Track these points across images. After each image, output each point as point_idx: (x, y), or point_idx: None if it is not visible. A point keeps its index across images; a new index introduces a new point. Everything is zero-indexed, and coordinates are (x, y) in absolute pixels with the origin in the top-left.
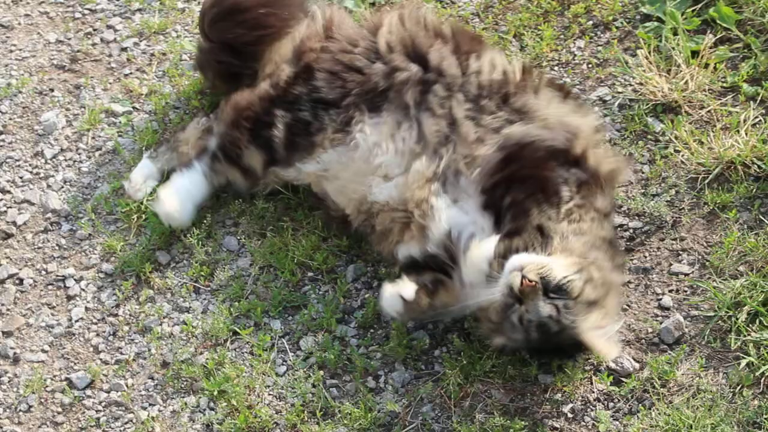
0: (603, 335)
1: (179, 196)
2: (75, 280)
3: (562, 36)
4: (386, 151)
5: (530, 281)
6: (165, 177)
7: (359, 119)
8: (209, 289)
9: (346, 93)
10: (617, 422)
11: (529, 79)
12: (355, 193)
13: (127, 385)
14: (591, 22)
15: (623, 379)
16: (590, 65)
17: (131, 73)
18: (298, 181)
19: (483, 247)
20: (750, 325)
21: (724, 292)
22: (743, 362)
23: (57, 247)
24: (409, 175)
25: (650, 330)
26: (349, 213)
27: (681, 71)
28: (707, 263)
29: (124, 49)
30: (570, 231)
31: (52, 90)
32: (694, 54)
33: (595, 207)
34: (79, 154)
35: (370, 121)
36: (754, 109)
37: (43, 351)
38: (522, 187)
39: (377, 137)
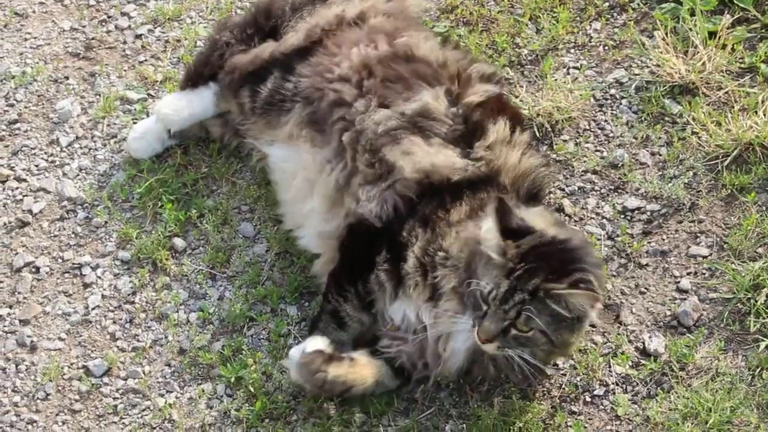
0: None
1: (184, 102)
2: (91, 267)
3: (578, 18)
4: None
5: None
6: (170, 135)
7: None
8: (225, 275)
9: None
10: (636, 405)
11: None
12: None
13: (144, 373)
14: (607, 4)
15: (641, 362)
16: (607, 47)
17: (146, 60)
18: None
19: None
20: None
21: (742, 274)
22: (762, 345)
23: (73, 235)
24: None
25: (668, 313)
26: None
27: (698, 52)
28: (725, 245)
29: (138, 36)
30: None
31: (67, 78)
32: (712, 35)
33: (450, 222)
34: (95, 141)
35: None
36: None
37: (60, 339)
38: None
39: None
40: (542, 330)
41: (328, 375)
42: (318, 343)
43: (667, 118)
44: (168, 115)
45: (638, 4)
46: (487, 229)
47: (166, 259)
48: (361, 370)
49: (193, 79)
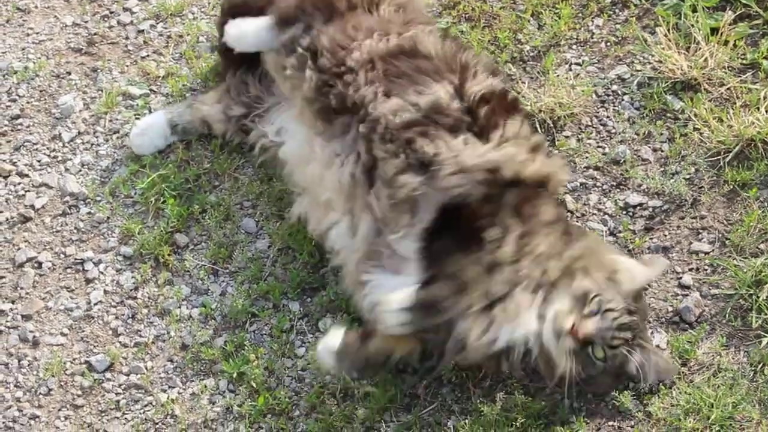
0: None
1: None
2: (94, 263)
3: (580, 14)
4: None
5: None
6: (173, 131)
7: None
8: (228, 271)
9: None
10: (637, 401)
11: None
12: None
13: (146, 368)
14: (609, 0)
15: None
16: (609, 43)
17: (148, 56)
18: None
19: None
20: None
21: (744, 270)
22: (764, 341)
23: (75, 231)
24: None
25: (670, 309)
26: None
27: (700, 48)
28: (727, 241)
29: (140, 32)
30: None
31: (69, 73)
32: (714, 31)
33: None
34: (97, 137)
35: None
36: None
37: (63, 334)
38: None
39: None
40: (604, 367)
41: (370, 348)
42: (342, 329)
43: (669, 114)
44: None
45: (640, 1)
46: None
47: (169, 255)
48: (393, 336)
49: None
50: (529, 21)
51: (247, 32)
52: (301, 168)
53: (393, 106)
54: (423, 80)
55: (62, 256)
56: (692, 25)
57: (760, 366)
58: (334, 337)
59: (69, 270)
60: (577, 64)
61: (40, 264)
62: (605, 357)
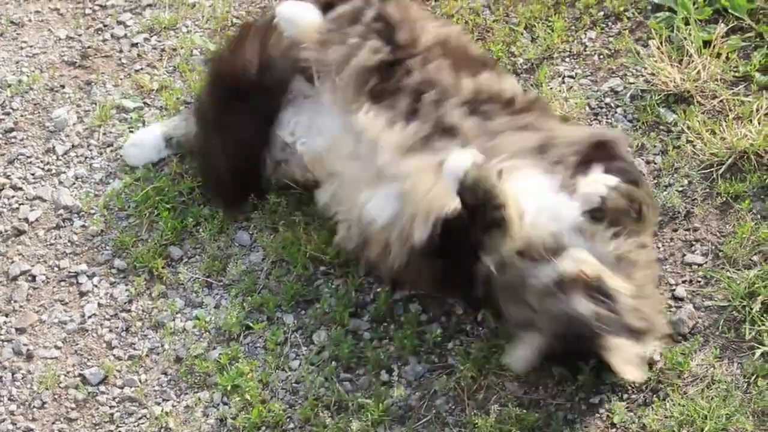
0: (630, 360)
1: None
2: (87, 276)
3: (573, 27)
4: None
5: (587, 275)
6: (167, 144)
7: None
8: (222, 284)
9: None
10: (632, 413)
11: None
12: None
13: (140, 381)
14: (602, 13)
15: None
16: (602, 56)
17: (142, 69)
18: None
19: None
20: (764, 315)
21: (738, 282)
22: (758, 352)
23: (69, 244)
24: None
25: (664, 321)
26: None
27: (693, 61)
28: (721, 253)
29: (134, 45)
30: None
31: (63, 86)
32: (706, 44)
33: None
34: (91, 150)
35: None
36: (766, 98)
37: (57, 347)
38: None
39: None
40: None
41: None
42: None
43: (662, 127)
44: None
45: (633, 14)
46: None
47: (163, 268)
48: None
49: None
50: (522, 34)
51: (301, 11)
52: (335, 152)
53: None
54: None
55: (56, 269)
56: (685, 38)
57: (753, 378)
58: (467, 154)
59: (63, 283)
60: (570, 76)
61: (33, 277)
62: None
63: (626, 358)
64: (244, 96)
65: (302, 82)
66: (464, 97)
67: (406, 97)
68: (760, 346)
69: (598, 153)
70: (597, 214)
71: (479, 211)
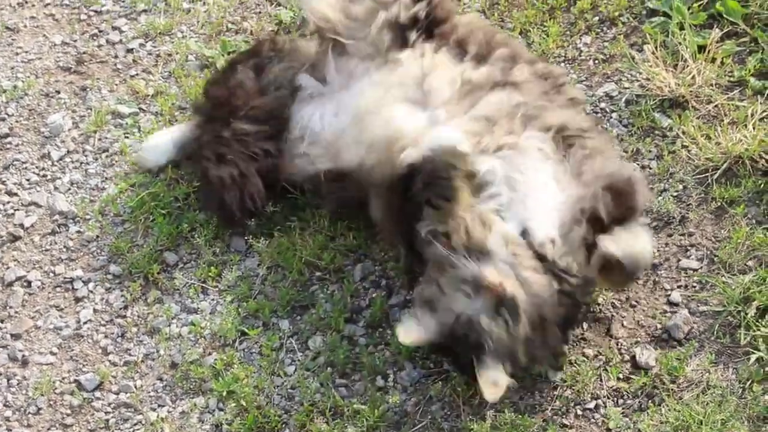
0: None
1: None
2: (83, 281)
3: (568, 32)
4: None
5: (504, 290)
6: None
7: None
8: (217, 289)
9: None
10: (627, 419)
11: None
12: None
13: (136, 387)
14: (597, 18)
15: (632, 376)
16: (597, 61)
17: (137, 74)
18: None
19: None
20: (759, 320)
21: (732, 287)
22: (753, 357)
23: (65, 249)
24: None
25: (659, 326)
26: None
27: (688, 66)
28: (716, 258)
29: (129, 51)
30: None
31: (58, 92)
32: (701, 49)
33: None
34: (86, 155)
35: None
36: (761, 103)
37: (52, 353)
38: None
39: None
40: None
41: None
42: None
43: (657, 132)
44: None
45: (628, 18)
46: None
47: (158, 273)
48: None
49: None
50: (517, 39)
51: None
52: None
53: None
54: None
55: (51, 274)
56: (680, 43)
57: (748, 383)
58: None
59: (58, 289)
60: None
61: (29, 283)
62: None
63: (492, 380)
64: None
65: (310, 80)
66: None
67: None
68: (755, 351)
69: (617, 204)
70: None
71: (434, 180)
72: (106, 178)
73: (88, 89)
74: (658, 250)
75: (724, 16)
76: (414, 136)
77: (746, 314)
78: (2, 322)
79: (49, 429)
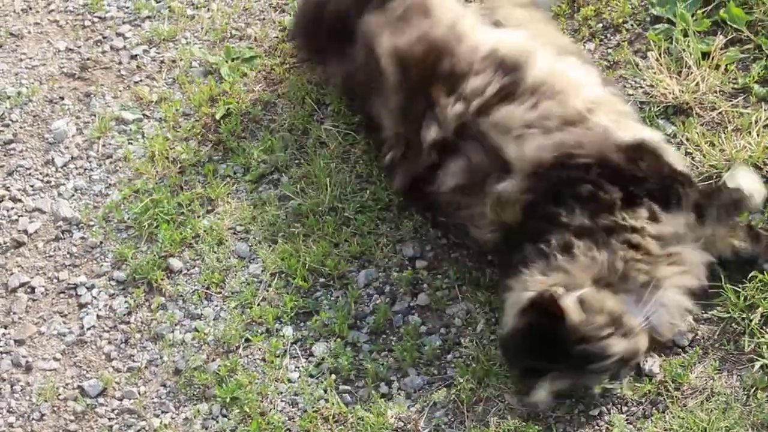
0: None
1: None
2: (87, 288)
3: (572, 39)
4: None
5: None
6: None
7: None
8: (221, 295)
9: None
10: (631, 426)
11: None
12: None
13: (139, 393)
14: (601, 25)
15: (636, 383)
16: (601, 68)
17: (141, 81)
18: None
19: None
20: (764, 327)
21: (737, 294)
22: (757, 365)
23: (68, 255)
24: None
25: None
26: None
27: (692, 73)
28: (720, 265)
29: (133, 57)
30: None
31: (62, 98)
32: (705, 55)
33: None
34: (90, 162)
35: None
36: (765, 110)
37: (55, 359)
38: None
39: None
40: None
41: None
42: None
43: None
44: None
45: (632, 25)
46: None
47: (162, 280)
48: None
49: None
50: None
51: None
52: None
53: None
54: None
55: (55, 280)
56: (684, 50)
57: (753, 390)
58: None
59: (62, 295)
60: None
61: (33, 289)
62: None
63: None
64: None
65: None
66: None
67: None
68: (759, 359)
69: None
70: None
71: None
72: (110, 185)
73: (92, 95)
74: None
75: (728, 23)
76: None
77: (751, 321)
78: (6, 328)
79: None
